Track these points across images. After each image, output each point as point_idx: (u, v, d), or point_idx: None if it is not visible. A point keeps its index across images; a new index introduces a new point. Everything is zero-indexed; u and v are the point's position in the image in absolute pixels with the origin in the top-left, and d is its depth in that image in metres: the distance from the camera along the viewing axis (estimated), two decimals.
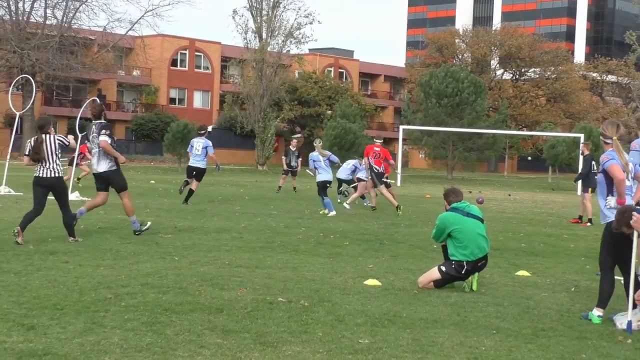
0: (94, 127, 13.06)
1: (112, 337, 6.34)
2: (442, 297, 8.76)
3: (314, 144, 20.97)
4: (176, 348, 6.13)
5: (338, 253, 12.09)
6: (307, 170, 23.82)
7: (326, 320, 7.30)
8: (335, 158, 20.71)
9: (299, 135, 65.85)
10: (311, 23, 63.01)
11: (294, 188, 28.88)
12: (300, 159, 29.19)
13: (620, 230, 7.59)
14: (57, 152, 11.99)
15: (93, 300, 7.68)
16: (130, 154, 65.54)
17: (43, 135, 11.98)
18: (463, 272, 9.27)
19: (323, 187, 19.74)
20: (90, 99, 28.38)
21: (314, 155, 20.37)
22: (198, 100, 77.71)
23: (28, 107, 34.32)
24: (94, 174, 13.36)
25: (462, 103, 56.00)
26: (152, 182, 32.73)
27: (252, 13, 62.00)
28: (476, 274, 9.36)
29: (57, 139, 12.09)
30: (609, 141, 8.19)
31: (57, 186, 12.03)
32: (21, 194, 20.89)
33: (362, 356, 6.19)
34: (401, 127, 48.98)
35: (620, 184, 7.95)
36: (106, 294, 7.98)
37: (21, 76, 34.65)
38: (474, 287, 9.25)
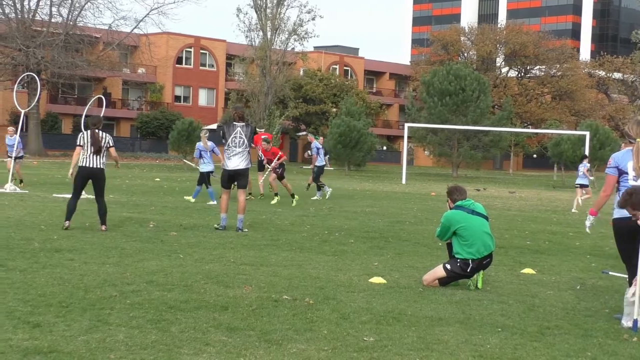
0: (239, 128, 14.04)
1: (117, 335, 6.35)
2: (447, 295, 8.76)
3: (200, 134, 21.32)
4: (181, 345, 6.13)
5: (343, 251, 12.09)
6: (185, 161, 23.89)
7: (331, 318, 7.30)
8: (217, 151, 20.87)
9: (304, 133, 65.91)
10: (313, 19, 63.07)
11: (308, 185, 28.83)
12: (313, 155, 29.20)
13: (625, 208, 7.61)
14: (106, 147, 13.41)
15: (98, 298, 7.68)
16: (136, 151, 65.66)
17: (97, 131, 13.37)
18: (468, 270, 9.25)
19: (207, 177, 20.57)
20: (96, 96, 28.41)
21: (200, 145, 20.70)
22: (203, 98, 77.75)
23: (33, 105, 34.41)
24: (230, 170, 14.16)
25: (466, 101, 55.94)
26: (157, 179, 32.73)
27: (256, 11, 62.06)
28: (481, 271, 9.35)
29: (108, 137, 13.54)
30: (632, 141, 8.05)
31: (98, 177, 13.38)
32: (26, 191, 20.91)
33: (367, 354, 6.19)
34: (406, 125, 48.98)
35: (602, 198, 8.22)
36: (111, 292, 7.98)
37: (26, 74, 34.75)
38: (479, 285, 9.24)
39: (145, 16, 60.02)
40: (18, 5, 57.13)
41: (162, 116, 69.04)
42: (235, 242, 12.54)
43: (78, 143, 13.41)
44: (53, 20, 58.30)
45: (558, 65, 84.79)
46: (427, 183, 43.39)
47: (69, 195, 19.59)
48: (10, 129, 24.61)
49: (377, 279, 9.40)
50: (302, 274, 9.68)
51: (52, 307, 7.19)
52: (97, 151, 13.29)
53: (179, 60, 75.50)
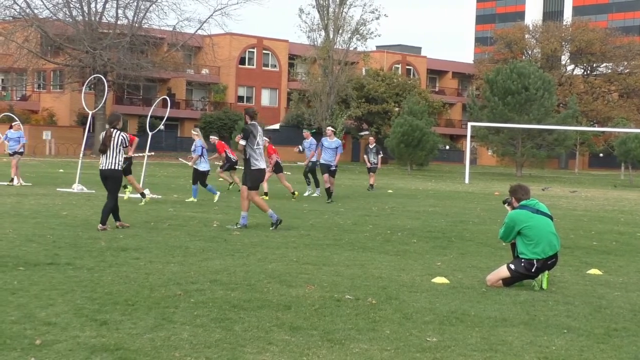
0: (260, 128, 14.27)
1: (181, 333, 6.41)
2: (511, 295, 8.66)
3: (193, 132, 21.16)
4: (244, 344, 6.17)
5: (406, 250, 12.04)
6: (181, 159, 23.79)
7: (394, 318, 7.28)
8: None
9: (366, 132, 65.85)
10: (377, 18, 62.93)
11: (371, 185, 28.81)
12: (380, 155, 29.18)
13: None
14: (119, 147, 13.24)
15: (163, 297, 7.77)
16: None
17: (111, 130, 13.26)
18: (533, 271, 9.13)
19: (205, 175, 20.47)
20: (161, 97, 28.75)
21: (201, 142, 20.63)
22: (266, 98, 78.19)
23: (100, 106, 34.93)
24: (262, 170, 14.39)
25: (530, 99, 55.21)
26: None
27: (318, 10, 62.17)
28: (546, 272, 9.22)
29: (122, 136, 13.32)
30: None
31: (111, 177, 13.29)
32: (93, 191, 21.25)
33: (430, 354, 6.15)
34: (469, 124, 48.56)
35: None
36: (176, 290, 8.07)
37: (93, 76, 35.30)
38: (544, 286, 9.11)
39: (209, 17, 60.62)
40: (85, 9, 58.17)
41: (225, 116, 69.62)
42: (297, 241, 12.57)
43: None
44: (119, 22, 59.25)
45: (626, 63, 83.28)
46: (491, 182, 42.96)
47: (133, 195, 19.95)
48: (16, 123, 25.02)
49: (440, 279, 9.34)
50: (365, 273, 9.67)
51: (119, 305, 7.30)
52: (102, 151, 13.22)
53: (241, 61, 76.04)
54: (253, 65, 76.98)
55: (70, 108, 65.87)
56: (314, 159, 24.22)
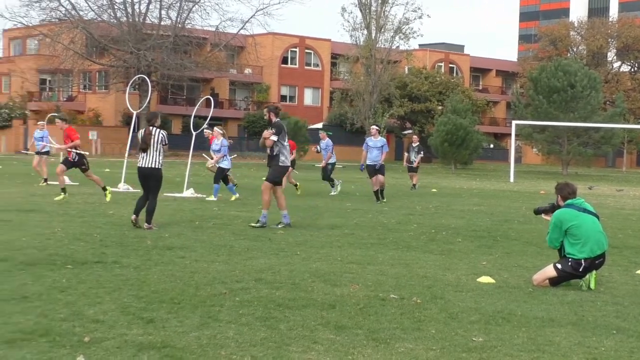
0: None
1: (227, 332, 6.44)
2: (558, 295, 8.56)
3: (218, 130, 20.97)
4: (290, 343, 6.18)
5: (450, 250, 11.98)
6: (205, 155, 23.60)
7: (439, 318, 7.24)
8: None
9: (409, 131, 65.63)
10: (420, 17, 62.73)
11: (414, 185, 28.73)
12: (421, 155, 29.06)
13: None
14: (159, 145, 13.21)
15: (208, 295, 7.81)
16: (243, 150, 66.61)
17: (150, 128, 13.21)
18: (580, 270, 9.02)
19: (224, 173, 20.39)
20: (205, 97, 28.92)
21: (226, 141, 20.44)
22: (308, 97, 78.28)
23: (144, 106, 35.29)
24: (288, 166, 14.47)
25: (575, 97, 54.58)
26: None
27: (360, 9, 62.11)
28: (594, 272, 9.10)
29: (161, 134, 13.27)
30: None
31: (152, 176, 13.25)
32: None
33: (476, 354, 6.10)
34: (513, 122, 48.16)
35: None
36: (221, 289, 8.11)
37: (138, 76, 35.61)
38: (592, 286, 8.99)
39: (251, 17, 60.88)
40: (129, 10, 58.73)
41: None
42: (341, 240, 12.57)
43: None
44: (162, 23, 59.74)
45: None
46: (536, 181, 42.56)
47: (179, 195, 20.11)
48: (41, 123, 25.22)
49: (485, 279, 9.27)
50: (410, 272, 9.63)
51: (165, 304, 7.35)
52: (143, 149, 13.16)
53: (284, 60, 76.21)
54: (295, 64, 77.09)
55: (115, 108, 66.55)
56: (332, 161, 24.23)
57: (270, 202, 14.16)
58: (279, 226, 13.97)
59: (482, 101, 76.09)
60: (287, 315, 7.10)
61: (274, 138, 13.91)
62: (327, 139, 24.65)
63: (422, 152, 29.26)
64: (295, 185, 23.12)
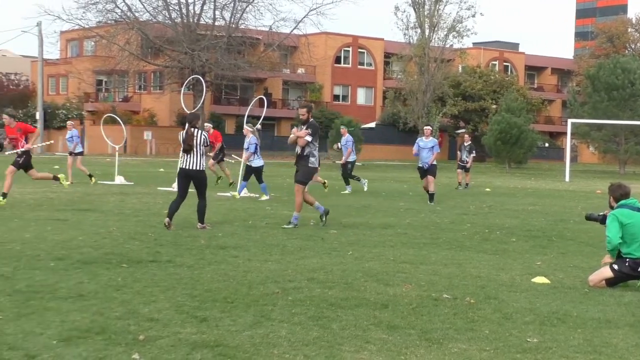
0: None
1: (280, 331, 6.46)
2: (615, 296, 8.43)
3: (247, 128, 20.74)
4: (342, 343, 6.18)
5: (504, 250, 11.87)
6: (234, 156, 23.35)
7: (493, 318, 7.17)
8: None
9: (462, 130, 65.15)
10: (473, 16, 62.27)
11: (466, 184, 28.55)
12: (473, 154, 28.85)
13: None
14: (201, 146, 13.11)
15: (261, 294, 7.85)
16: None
17: (192, 129, 13.11)
18: (638, 270, 8.87)
19: (260, 172, 20.26)
20: (258, 97, 29.06)
21: (255, 139, 20.22)
22: (361, 96, 78.19)
23: (199, 106, 35.44)
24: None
25: (635, 95, 53.61)
26: (318, 179, 33.16)
27: (414, 8, 61.84)
28: None
29: (203, 135, 13.20)
30: None
31: (196, 178, 13.20)
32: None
33: (530, 355, 6.04)
34: (569, 121, 47.51)
35: None
36: (274, 288, 8.14)
37: (192, 77, 35.90)
38: None
39: (304, 17, 60.91)
40: (184, 11, 59.25)
41: (321, 115, 69.90)
42: (394, 240, 12.53)
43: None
44: (216, 23, 60.12)
45: None
46: (592, 180, 41.96)
47: (230, 194, 20.22)
48: (70, 123, 25.40)
49: (540, 279, 9.17)
50: (463, 272, 9.57)
51: (218, 303, 7.40)
52: (186, 150, 13.07)
53: (337, 60, 76.21)
54: (348, 64, 77.05)
55: (170, 108, 67.20)
56: (351, 159, 24.00)
57: (302, 205, 14.06)
58: (289, 226, 13.72)
59: (537, 99, 75.17)
60: (340, 314, 7.10)
61: (309, 138, 13.76)
62: (348, 134, 24.41)
63: (474, 152, 29.03)
64: (323, 183, 22.97)
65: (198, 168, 13.14)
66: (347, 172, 24.07)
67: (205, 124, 24.75)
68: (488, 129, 56.15)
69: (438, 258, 10.73)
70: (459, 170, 28.83)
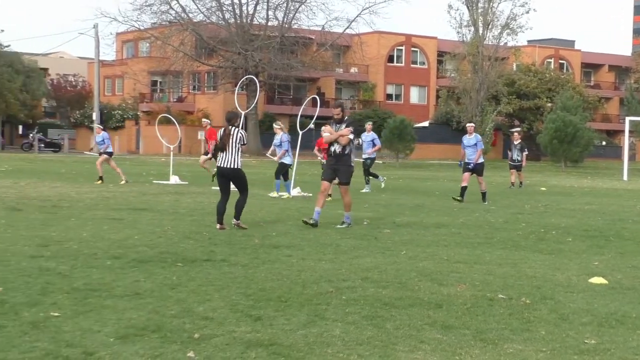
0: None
1: (333, 330, 6.46)
2: None
3: (275, 126, 20.48)
4: (396, 342, 6.15)
5: (560, 249, 11.72)
6: (269, 155, 22.97)
7: (549, 319, 7.09)
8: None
9: (517, 128, 64.54)
10: (527, 12, 61.65)
11: (520, 183, 28.27)
12: (526, 153, 28.54)
13: None
14: (238, 145, 13.05)
15: (315, 294, 7.85)
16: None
17: (230, 128, 13.07)
18: None
19: (287, 169, 20.14)
20: (311, 96, 29.10)
21: (287, 137, 19.96)
22: (414, 95, 77.87)
23: (252, 106, 35.78)
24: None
25: None
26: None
27: (467, 6, 61.43)
28: None
29: (240, 134, 13.16)
30: None
31: (234, 176, 13.14)
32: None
33: (588, 357, 5.95)
34: (627, 119, 46.77)
35: None
36: (327, 288, 8.14)
37: (246, 77, 36.11)
38: None
39: (357, 16, 60.91)
40: (237, 11, 59.64)
41: (374, 114, 69.80)
42: (448, 239, 12.46)
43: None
44: (269, 23, 60.42)
45: None
46: None
47: (286, 194, 20.27)
48: (97, 126, 25.69)
49: (597, 279, 9.03)
50: (518, 272, 9.47)
51: (272, 302, 7.43)
52: (221, 149, 13.05)
53: (390, 59, 76.01)
54: (401, 63, 76.80)
55: (224, 108, 67.52)
56: (372, 155, 23.68)
57: (351, 204, 14.03)
58: (342, 226, 13.63)
59: (593, 97, 74.14)
60: (394, 314, 7.07)
61: (352, 136, 13.54)
62: (372, 132, 24.08)
63: (526, 150, 28.69)
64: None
65: (234, 166, 13.04)
66: (367, 169, 23.67)
67: (203, 120, 24.79)
68: (543, 127, 55.49)
69: (492, 258, 10.64)
70: (512, 170, 28.54)
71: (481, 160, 20.37)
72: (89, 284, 7.98)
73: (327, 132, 13.83)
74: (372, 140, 23.75)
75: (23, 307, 6.89)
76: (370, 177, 23.86)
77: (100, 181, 23.79)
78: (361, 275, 8.92)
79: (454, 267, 9.74)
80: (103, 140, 24.60)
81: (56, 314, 6.67)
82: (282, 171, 20.30)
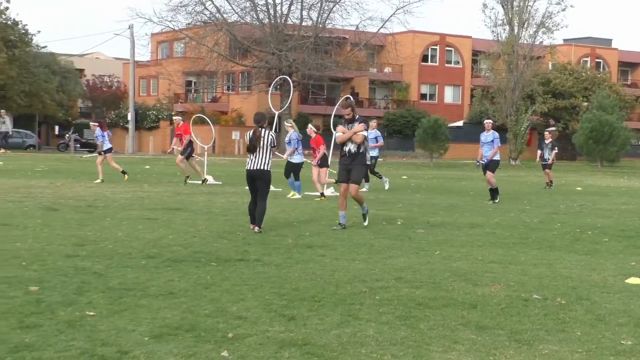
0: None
1: (367, 330, 6.45)
2: None
3: (286, 124, 20.11)
4: (430, 343, 6.13)
5: (596, 250, 11.60)
6: (277, 153, 22.47)
7: (585, 319, 7.02)
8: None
9: (553, 128, 64.02)
10: (564, 10, 61.08)
11: (550, 182, 28.05)
12: (555, 151, 28.27)
13: None
14: (268, 147, 12.90)
15: (348, 293, 7.85)
16: (382, 149, 66.62)
17: (260, 129, 12.92)
18: None
19: (299, 168, 19.75)
20: (344, 96, 29.08)
21: (296, 135, 19.65)
22: (449, 95, 77.55)
23: (286, 106, 35.79)
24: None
25: None
26: (404, 177, 33.09)
27: (502, 5, 61.00)
28: None
29: (270, 136, 13.01)
30: None
31: (260, 178, 12.91)
32: (280, 189, 21.67)
33: (624, 358, 5.89)
34: None
35: None
36: (361, 288, 8.13)
37: (279, 77, 36.20)
38: None
39: (391, 16, 60.77)
40: (271, 11, 59.78)
41: (408, 114, 69.64)
42: (482, 239, 12.39)
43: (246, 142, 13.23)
44: (303, 23, 60.48)
45: None
46: None
47: (318, 193, 20.25)
48: (92, 124, 25.52)
49: (634, 280, 8.93)
50: (553, 273, 9.39)
51: (305, 301, 7.43)
52: (251, 150, 12.84)
53: (424, 58, 75.76)
54: (436, 62, 76.51)
55: (258, 108, 67.68)
56: (376, 154, 23.19)
57: (363, 197, 13.87)
58: (338, 228, 13.21)
59: (630, 96, 73.33)
60: (428, 314, 7.05)
61: (366, 133, 13.22)
62: (376, 129, 23.61)
63: (555, 149, 28.42)
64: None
65: (263, 168, 12.86)
66: (371, 169, 23.13)
67: (174, 117, 24.71)
68: (579, 127, 54.94)
69: (527, 258, 10.57)
70: (546, 170, 28.28)
71: (497, 158, 19.89)
72: (124, 284, 8.04)
73: (340, 131, 13.45)
74: (376, 138, 23.48)
75: (59, 306, 6.96)
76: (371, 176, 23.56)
77: (98, 180, 23.74)
78: (395, 275, 8.90)
79: (489, 267, 9.68)
80: (97, 137, 24.58)
81: (91, 313, 6.73)
82: (292, 170, 19.98)
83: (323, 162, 19.84)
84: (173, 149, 24.54)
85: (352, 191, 13.28)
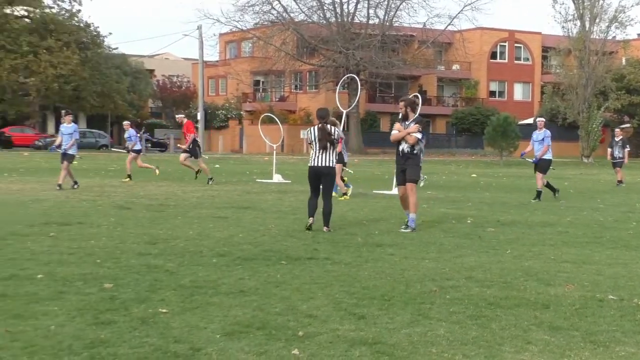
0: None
1: (438, 329, 6.40)
2: None
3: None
4: (502, 343, 6.05)
5: None
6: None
7: None
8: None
9: (627, 125, 62.76)
10: (638, 4, 59.86)
11: (620, 181, 27.52)
12: (627, 149, 27.70)
13: None
14: (334, 142, 12.64)
15: (419, 292, 7.80)
16: (451, 148, 66.24)
17: (327, 126, 12.71)
18: None
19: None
20: (413, 94, 28.94)
21: (339, 131, 18.92)
22: (518, 92, 76.67)
23: (354, 104, 35.76)
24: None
25: None
26: (474, 175, 32.78)
27: (573, 0, 60.08)
28: None
29: (337, 131, 12.84)
30: None
31: (326, 175, 12.63)
32: (361, 190, 21.63)
33: None
34: None
35: None
36: (431, 287, 8.07)
37: (347, 75, 36.21)
38: None
39: (459, 13, 60.43)
40: (338, 10, 59.86)
41: (477, 112, 69.06)
42: (555, 238, 12.20)
43: (307, 140, 12.97)
44: (370, 22, 60.46)
45: None
46: None
47: (389, 192, 20.22)
48: (125, 123, 25.76)
49: None
50: (629, 273, 9.19)
51: (375, 300, 7.41)
52: (324, 147, 12.54)
53: (493, 55, 75.05)
54: (505, 59, 75.72)
55: (326, 107, 67.96)
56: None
57: (418, 204, 13.16)
58: (406, 230, 12.71)
59: None
60: (499, 314, 6.96)
61: (419, 135, 12.72)
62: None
63: (627, 147, 27.82)
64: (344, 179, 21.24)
65: (329, 165, 12.62)
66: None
67: (177, 115, 24.74)
68: None
69: (602, 257, 10.36)
70: (617, 169, 27.72)
71: (547, 156, 19.50)
72: (195, 282, 8.12)
73: (396, 129, 13.03)
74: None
75: (133, 303, 7.06)
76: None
77: (128, 179, 23.98)
78: (465, 274, 8.82)
79: (562, 266, 9.52)
80: (130, 137, 24.94)
81: (164, 310, 6.81)
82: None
83: (340, 159, 19.43)
84: (178, 147, 24.82)
85: (408, 189, 12.90)
